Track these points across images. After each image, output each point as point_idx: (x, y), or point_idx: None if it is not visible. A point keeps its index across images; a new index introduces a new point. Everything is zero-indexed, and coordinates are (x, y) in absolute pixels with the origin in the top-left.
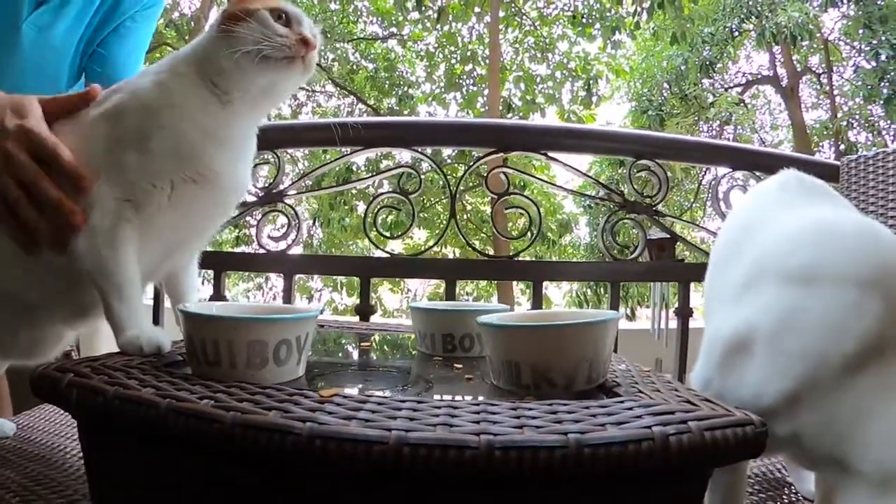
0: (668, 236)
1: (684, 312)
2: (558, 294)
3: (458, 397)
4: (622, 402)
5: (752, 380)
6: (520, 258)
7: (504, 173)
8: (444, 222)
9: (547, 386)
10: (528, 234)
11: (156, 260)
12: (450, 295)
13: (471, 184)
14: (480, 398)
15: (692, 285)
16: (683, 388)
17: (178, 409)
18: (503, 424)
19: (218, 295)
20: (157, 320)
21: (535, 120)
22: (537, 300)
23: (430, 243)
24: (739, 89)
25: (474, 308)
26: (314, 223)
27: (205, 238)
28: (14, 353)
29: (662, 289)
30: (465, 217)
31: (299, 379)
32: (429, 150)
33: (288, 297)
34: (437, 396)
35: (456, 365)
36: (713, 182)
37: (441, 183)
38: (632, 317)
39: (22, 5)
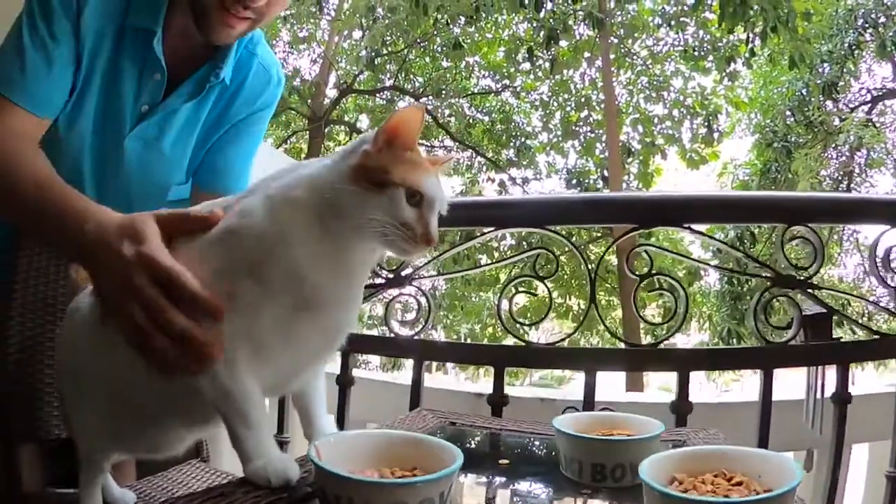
0: (825, 311)
1: (843, 398)
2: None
3: None
4: None
5: None
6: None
7: (647, 251)
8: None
9: None
10: (673, 317)
11: (275, 383)
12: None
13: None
14: None
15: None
16: None
17: None
18: None
19: (346, 375)
20: (281, 427)
21: (668, 187)
22: (683, 392)
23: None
24: (866, 108)
25: (629, 439)
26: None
27: (322, 361)
28: (140, 450)
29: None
30: (584, 269)
31: None
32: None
33: (417, 381)
34: None
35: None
36: (873, 243)
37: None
38: None
39: (124, 119)
